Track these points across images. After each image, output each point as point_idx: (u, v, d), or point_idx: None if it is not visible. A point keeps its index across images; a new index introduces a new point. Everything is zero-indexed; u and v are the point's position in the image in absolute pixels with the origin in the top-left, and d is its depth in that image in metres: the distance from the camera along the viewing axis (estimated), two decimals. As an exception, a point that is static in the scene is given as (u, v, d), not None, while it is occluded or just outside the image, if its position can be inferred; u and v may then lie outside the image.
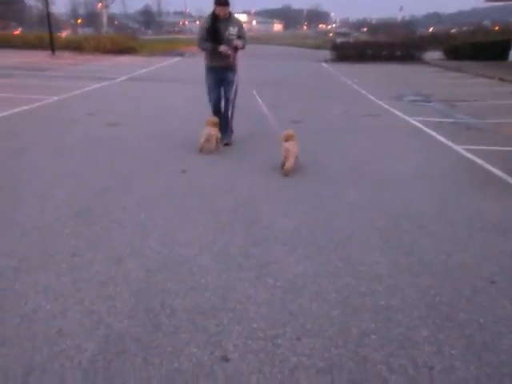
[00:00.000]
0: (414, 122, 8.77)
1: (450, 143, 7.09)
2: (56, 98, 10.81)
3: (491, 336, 2.58)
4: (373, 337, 2.56)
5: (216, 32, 6.41)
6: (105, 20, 44.61)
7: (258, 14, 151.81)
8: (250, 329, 2.61)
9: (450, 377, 2.28)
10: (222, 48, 6.35)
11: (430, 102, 11.68)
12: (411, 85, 15.14)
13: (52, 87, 12.81)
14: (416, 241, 3.74)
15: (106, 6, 45.11)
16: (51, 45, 26.32)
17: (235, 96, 6.78)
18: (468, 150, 6.61)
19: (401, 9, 79.83)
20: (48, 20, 26.97)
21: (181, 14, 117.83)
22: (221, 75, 6.65)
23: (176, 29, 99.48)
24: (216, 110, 6.87)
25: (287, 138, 5.57)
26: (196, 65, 23.71)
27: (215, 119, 6.47)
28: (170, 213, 4.22)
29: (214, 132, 6.34)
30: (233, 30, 6.45)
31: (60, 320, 2.65)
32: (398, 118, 9.37)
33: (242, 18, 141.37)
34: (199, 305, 2.83)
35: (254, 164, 5.87)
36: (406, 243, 3.69)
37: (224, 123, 6.76)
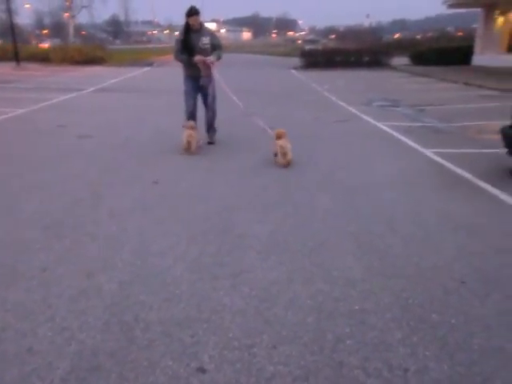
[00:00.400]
0: (384, 127, 8.92)
1: (418, 147, 7.24)
2: (23, 111, 10.61)
3: (463, 336, 2.62)
4: (348, 342, 2.58)
5: (190, 43, 6.66)
6: (71, 30, 44.07)
7: (227, 22, 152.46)
8: (225, 339, 2.60)
9: (424, 378, 2.31)
10: (196, 59, 6.62)
11: (398, 106, 11.90)
12: (379, 90, 15.43)
13: (18, 99, 12.57)
14: (388, 245, 3.79)
15: (73, 16, 44.62)
16: (16, 56, 25.84)
17: (214, 101, 7.27)
18: (436, 154, 6.76)
19: (368, 16, 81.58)
20: (12, 31, 26.49)
21: (149, 23, 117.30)
22: (197, 83, 6.95)
23: (144, 38, 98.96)
24: (191, 116, 7.13)
25: (279, 136, 6.08)
26: (165, 74, 23.75)
27: (192, 123, 6.85)
28: (142, 224, 4.17)
29: (194, 134, 6.70)
30: (205, 40, 6.72)
31: (30, 338, 2.58)
32: (368, 123, 9.51)
33: (212, 26, 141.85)
34: (174, 316, 2.79)
35: (226, 171, 5.87)
36: (379, 247, 3.74)
37: (207, 124, 7.36)
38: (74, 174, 5.72)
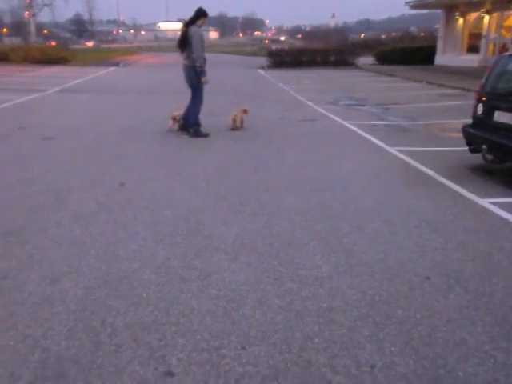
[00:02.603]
0: (350, 126, 9.04)
1: (384, 145, 7.37)
2: (-18, 112, 10.27)
3: (427, 330, 2.69)
4: (316, 340, 2.60)
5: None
6: (33, 29, 42.84)
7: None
8: (193, 341, 2.58)
9: (391, 373, 2.35)
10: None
11: (364, 105, 12.09)
12: (346, 89, 15.63)
13: (-22, 100, 12.16)
14: (355, 242, 3.84)
15: (34, 15, 43.35)
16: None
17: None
18: (401, 151, 6.90)
19: (333, 16, 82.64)
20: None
21: (114, 22, 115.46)
22: None
23: (110, 38, 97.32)
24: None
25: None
26: (131, 74, 23.42)
27: (244, 106, 8.68)
28: (108, 227, 4.10)
29: (240, 114, 8.51)
30: None
31: (-9, 348, 2.50)
32: (334, 122, 9.63)
33: (177, 26, 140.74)
34: (141, 320, 2.76)
35: (192, 173, 5.83)
36: (346, 245, 3.79)
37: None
38: (35, 177, 5.57)
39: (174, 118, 8.11)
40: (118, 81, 19.93)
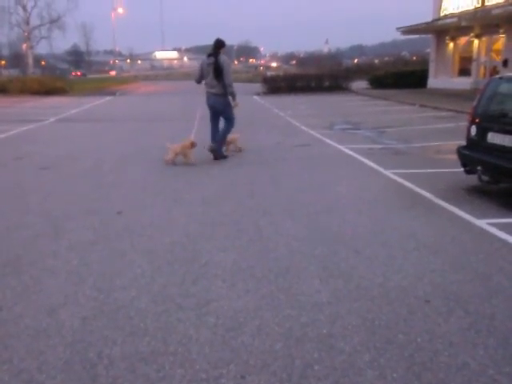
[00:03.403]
0: (345, 150, 9.09)
1: (380, 168, 7.40)
2: (-21, 143, 10.31)
3: (429, 355, 2.65)
4: (316, 367, 2.56)
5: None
6: (30, 61, 43.44)
7: (190, 50, 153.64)
8: (192, 371, 2.53)
9: (393, 400, 2.31)
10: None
11: (359, 129, 12.19)
12: (341, 114, 15.79)
13: (-25, 131, 12.23)
14: (353, 266, 3.82)
15: (31, 47, 43.99)
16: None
17: None
18: (397, 174, 6.92)
19: (327, 42, 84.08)
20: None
21: (110, 52, 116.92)
22: None
23: (107, 68, 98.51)
24: None
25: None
26: (128, 103, 23.62)
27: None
28: (105, 256, 4.07)
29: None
30: None
31: (-15, 383, 2.45)
32: (330, 146, 9.68)
33: (173, 54, 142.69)
34: (139, 351, 2.72)
35: (189, 200, 5.83)
36: (344, 270, 3.76)
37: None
38: (32, 206, 5.56)
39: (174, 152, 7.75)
40: (115, 110, 20.11)
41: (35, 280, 3.62)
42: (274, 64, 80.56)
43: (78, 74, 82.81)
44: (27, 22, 42.65)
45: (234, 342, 2.80)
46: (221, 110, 8.24)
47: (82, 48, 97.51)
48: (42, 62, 71.75)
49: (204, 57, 8.22)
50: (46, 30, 44.79)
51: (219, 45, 8.06)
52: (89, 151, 9.48)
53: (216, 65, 7.91)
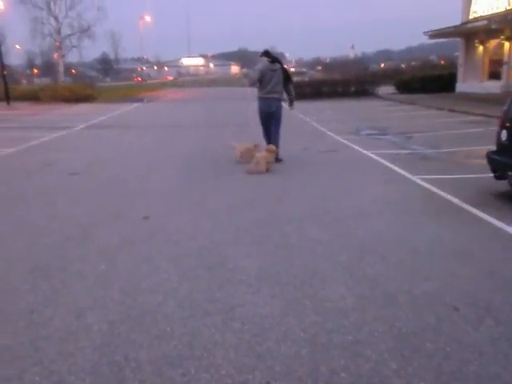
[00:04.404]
0: (372, 155, 9.01)
1: (407, 174, 7.30)
2: (12, 150, 10.62)
3: (458, 364, 2.59)
4: (342, 374, 2.54)
5: None
6: (61, 69, 44.59)
7: (215, 57, 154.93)
8: (217, 376, 2.55)
9: (421, 409, 2.27)
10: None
11: (386, 134, 12.06)
12: (367, 119, 15.65)
13: (8, 138, 12.61)
14: (379, 273, 3.77)
15: (63, 56, 45.17)
16: (6, 96, 26.04)
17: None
18: (424, 180, 6.82)
19: (352, 47, 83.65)
20: (2, 71, 26.78)
21: (138, 60, 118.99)
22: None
23: (134, 75, 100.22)
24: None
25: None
26: (156, 110, 23.96)
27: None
28: (131, 261, 4.13)
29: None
30: None
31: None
32: (357, 151, 9.61)
33: (199, 61, 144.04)
34: (165, 355, 2.74)
35: (214, 205, 5.86)
36: (370, 276, 3.72)
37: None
38: (61, 212, 5.69)
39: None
40: (142, 116, 20.43)
41: (64, 284, 3.70)
42: (304, 69, 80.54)
43: (139, 79, 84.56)
44: (59, 32, 43.82)
45: (259, 347, 2.80)
46: (279, 114, 8.58)
47: (111, 56, 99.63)
48: (73, 71, 73.54)
49: (265, 61, 8.41)
50: (76, 40, 45.88)
51: (275, 55, 8.70)
52: (116, 157, 9.65)
53: (285, 71, 8.54)
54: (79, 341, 2.90)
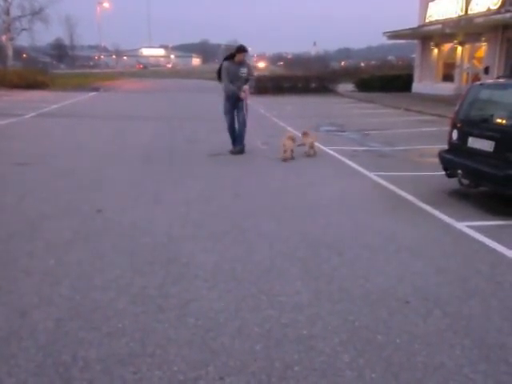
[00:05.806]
0: (330, 152, 9.11)
1: (364, 170, 7.42)
2: (-42, 139, 10.10)
3: (407, 355, 2.65)
4: (296, 368, 2.54)
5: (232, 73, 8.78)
6: (10, 53, 42.28)
7: (177, 48, 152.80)
8: (170, 373, 2.50)
9: (372, 402, 2.30)
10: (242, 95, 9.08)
11: (344, 131, 12.23)
12: (326, 116, 15.82)
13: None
14: (335, 268, 3.81)
15: (11, 39, 42.90)
16: None
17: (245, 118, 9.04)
18: (380, 176, 6.95)
19: (314, 44, 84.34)
20: None
21: (96, 48, 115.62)
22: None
23: (91, 63, 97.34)
24: (230, 128, 8.98)
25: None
26: (112, 99, 23.35)
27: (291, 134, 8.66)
28: (83, 256, 3.99)
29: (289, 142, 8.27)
30: (243, 70, 8.84)
31: (-45, 385, 2.38)
32: (316, 147, 9.65)
33: (160, 52, 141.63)
34: (115, 352, 2.67)
35: (171, 200, 5.76)
36: (326, 271, 3.75)
37: (237, 138, 8.86)
38: (6, 205, 5.44)
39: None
40: (98, 106, 19.88)
41: (8, 281, 3.52)
42: (261, 64, 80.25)
43: (141, 66, 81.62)
44: (7, 13, 41.34)
45: (213, 343, 2.77)
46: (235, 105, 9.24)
47: (66, 42, 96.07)
48: (24, 55, 70.40)
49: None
50: (27, 22, 43.76)
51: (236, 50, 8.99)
52: (69, 148, 9.30)
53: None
54: (22, 341, 2.76)
